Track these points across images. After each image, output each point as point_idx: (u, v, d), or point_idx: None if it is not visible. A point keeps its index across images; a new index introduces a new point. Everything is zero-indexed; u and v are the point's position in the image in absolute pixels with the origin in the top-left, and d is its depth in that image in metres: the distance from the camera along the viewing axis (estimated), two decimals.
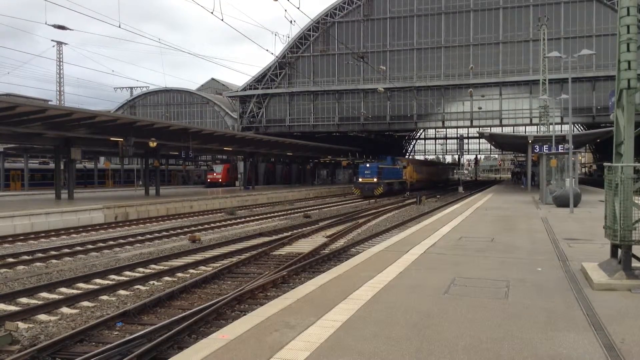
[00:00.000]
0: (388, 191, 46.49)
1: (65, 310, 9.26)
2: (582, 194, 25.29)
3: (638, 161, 10.97)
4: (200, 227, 22.21)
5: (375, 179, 44.10)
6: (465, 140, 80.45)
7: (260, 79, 60.70)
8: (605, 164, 8.11)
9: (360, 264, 9.31)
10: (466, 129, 66.92)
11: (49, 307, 9.27)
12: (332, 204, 36.11)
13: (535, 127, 52.05)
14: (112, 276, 12.11)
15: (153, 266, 13.34)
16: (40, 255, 14.96)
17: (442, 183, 77.38)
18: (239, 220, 24.80)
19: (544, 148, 32.61)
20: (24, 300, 10.01)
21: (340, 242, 17.06)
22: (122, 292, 10.56)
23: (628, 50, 7.60)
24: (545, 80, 45.46)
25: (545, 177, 26.23)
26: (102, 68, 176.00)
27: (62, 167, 32.31)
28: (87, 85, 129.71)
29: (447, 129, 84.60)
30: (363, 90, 57.40)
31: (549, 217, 18.20)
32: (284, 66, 60.01)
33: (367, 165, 45.92)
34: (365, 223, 22.66)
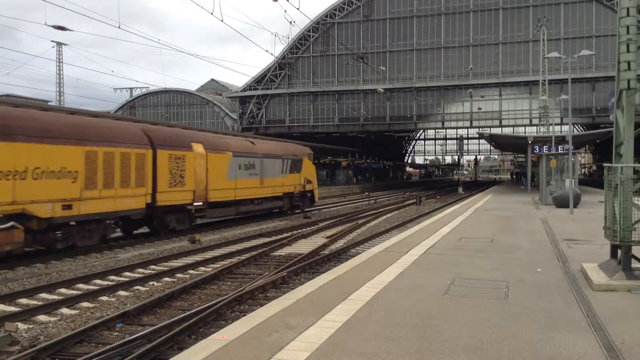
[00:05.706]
0: None
1: (65, 311, 9.25)
2: (582, 194, 25.29)
3: (638, 162, 11.00)
4: None
5: None
6: (465, 141, 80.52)
7: (259, 80, 60.72)
8: (605, 164, 8.12)
9: (360, 264, 9.31)
10: (466, 129, 66.95)
11: (49, 307, 9.25)
12: (331, 205, 36.07)
13: (535, 127, 52.11)
14: (112, 277, 12.10)
15: (153, 267, 13.31)
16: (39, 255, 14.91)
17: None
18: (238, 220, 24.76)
19: (544, 149, 32.64)
20: (23, 301, 9.99)
21: (340, 243, 17.04)
22: (122, 292, 10.55)
23: (628, 50, 7.61)
24: (545, 80, 45.53)
25: (545, 177, 26.23)
26: (98, 68, 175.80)
27: None
28: (84, 85, 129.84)
29: (447, 130, 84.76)
30: (363, 90, 57.41)
31: (548, 218, 18.20)
32: (283, 67, 60.03)
33: None
34: (365, 224, 22.65)
